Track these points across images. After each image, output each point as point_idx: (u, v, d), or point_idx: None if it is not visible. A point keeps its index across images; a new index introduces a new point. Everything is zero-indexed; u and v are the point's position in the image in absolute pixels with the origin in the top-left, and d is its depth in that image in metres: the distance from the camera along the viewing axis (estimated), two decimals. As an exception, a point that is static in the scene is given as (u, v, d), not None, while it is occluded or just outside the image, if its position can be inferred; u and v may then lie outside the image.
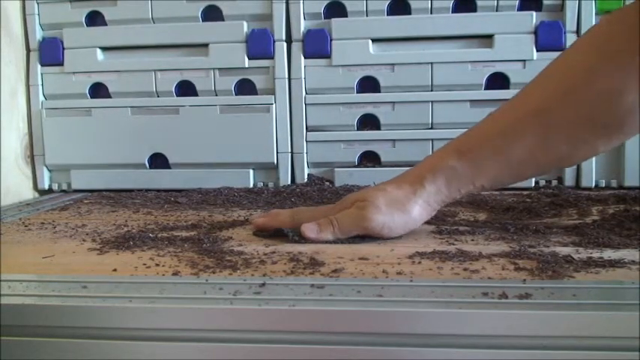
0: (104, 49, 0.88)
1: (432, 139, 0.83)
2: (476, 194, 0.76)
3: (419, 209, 0.51)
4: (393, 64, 0.83)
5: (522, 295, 0.35)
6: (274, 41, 0.85)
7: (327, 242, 0.51)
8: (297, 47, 0.85)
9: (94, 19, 0.89)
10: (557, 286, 0.37)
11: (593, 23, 0.80)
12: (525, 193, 0.77)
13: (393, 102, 0.84)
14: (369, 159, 0.86)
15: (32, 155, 0.90)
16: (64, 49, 0.88)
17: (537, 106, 0.48)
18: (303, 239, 0.51)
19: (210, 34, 0.85)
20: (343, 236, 0.51)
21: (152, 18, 0.86)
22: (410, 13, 0.83)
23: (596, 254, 0.45)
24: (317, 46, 0.84)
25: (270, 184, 0.87)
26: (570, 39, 0.80)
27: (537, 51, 0.81)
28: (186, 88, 0.87)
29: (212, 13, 0.86)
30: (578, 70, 0.47)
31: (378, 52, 0.83)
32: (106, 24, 0.88)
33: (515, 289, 0.36)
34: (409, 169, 0.53)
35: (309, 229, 0.51)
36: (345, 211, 0.52)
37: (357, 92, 0.85)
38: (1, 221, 0.66)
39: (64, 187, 0.90)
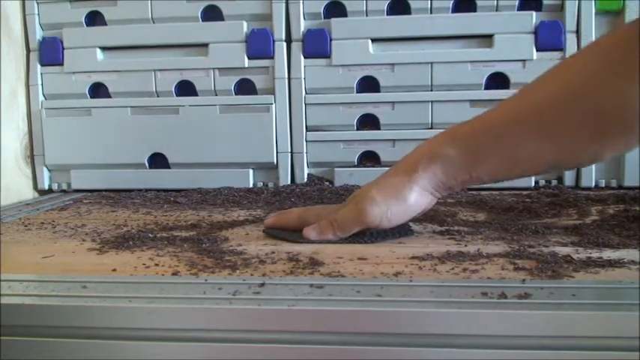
0: (104, 49, 0.88)
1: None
2: (476, 194, 0.76)
3: (415, 195, 0.50)
4: (392, 64, 0.83)
5: (522, 295, 0.35)
6: (274, 41, 0.85)
7: (329, 242, 0.51)
8: (296, 47, 0.85)
9: (94, 19, 0.89)
10: (556, 286, 0.37)
11: (593, 23, 0.80)
12: (525, 193, 0.77)
13: (393, 102, 0.84)
14: (369, 159, 0.86)
15: (32, 155, 0.90)
16: (63, 49, 0.88)
17: (541, 104, 0.47)
18: (306, 241, 0.51)
19: (210, 34, 0.85)
20: (344, 235, 0.51)
21: (152, 18, 0.86)
22: (410, 13, 0.83)
23: (595, 254, 0.45)
24: (317, 46, 0.84)
25: (270, 184, 0.87)
26: (570, 39, 0.80)
27: (537, 51, 0.81)
28: (186, 88, 0.87)
29: (212, 13, 0.86)
30: (586, 74, 0.46)
31: (377, 52, 0.83)
32: (105, 24, 0.88)
33: (514, 289, 0.36)
34: (407, 154, 0.52)
35: (311, 232, 0.52)
36: (342, 210, 0.52)
37: (356, 92, 0.85)
38: (1, 221, 0.66)
39: (64, 187, 0.90)
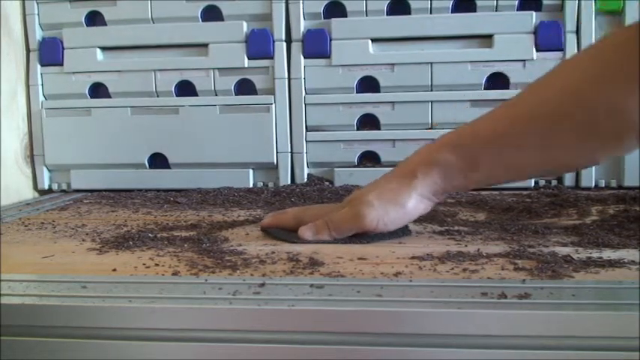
0: (104, 49, 0.88)
1: (432, 139, 0.82)
2: (476, 194, 0.76)
3: (413, 202, 0.50)
4: (392, 64, 0.83)
5: (521, 295, 0.35)
6: (274, 41, 0.85)
7: (325, 242, 0.51)
8: (296, 47, 0.85)
9: (94, 19, 0.89)
10: (556, 286, 0.37)
11: (593, 23, 0.80)
12: (525, 193, 0.77)
13: (393, 102, 0.84)
14: (369, 159, 0.86)
15: (32, 155, 0.90)
16: (63, 49, 0.88)
17: (538, 109, 0.47)
18: (301, 240, 0.51)
19: (210, 34, 0.85)
20: (340, 236, 0.51)
21: (152, 18, 0.86)
22: (409, 13, 0.83)
23: (595, 254, 0.45)
24: (317, 46, 0.84)
25: (270, 184, 0.87)
26: (570, 39, 0.80)
27: (537, 51, 0.81)
28: (186, 88, 0.87)
29: (212, 13, 0.86)
30: (583, 80, 0.45)
31: (377, 52, 0.83)
32: (105, 24, 0.88)
33: (514, 289, 0.36)
34: (404, 160, 0.53)
35: (306, 232, 0.52)
36: (339, 211, 0.52)
37: (356, 92, 0.85)
38: (1, 221, 0.66)
39: (64, 187, 0.90)
